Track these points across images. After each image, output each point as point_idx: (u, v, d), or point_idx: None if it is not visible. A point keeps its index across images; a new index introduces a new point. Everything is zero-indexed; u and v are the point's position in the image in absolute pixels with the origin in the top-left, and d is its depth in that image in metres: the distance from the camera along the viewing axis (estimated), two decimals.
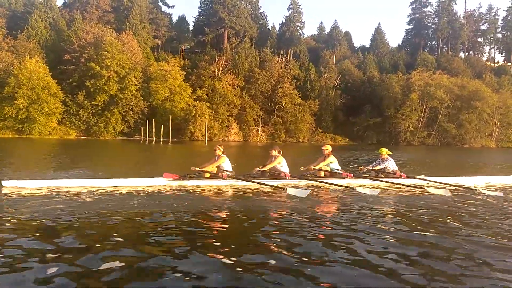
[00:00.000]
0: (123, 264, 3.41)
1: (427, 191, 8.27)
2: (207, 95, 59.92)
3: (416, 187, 8.73)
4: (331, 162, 9.84)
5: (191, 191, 7.62)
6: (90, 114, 52.35)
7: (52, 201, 6.24)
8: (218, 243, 4.18)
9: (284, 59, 72.87)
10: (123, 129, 54.22)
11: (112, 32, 58.60)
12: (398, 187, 8.88)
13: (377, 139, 66.59)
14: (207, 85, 60.51)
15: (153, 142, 42.32)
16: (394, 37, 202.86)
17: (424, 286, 3.16)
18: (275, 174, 9.26)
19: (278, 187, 8.09)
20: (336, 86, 71.82)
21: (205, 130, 46.37)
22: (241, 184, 8.57)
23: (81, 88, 52.46)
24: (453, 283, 3.23)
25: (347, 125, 68.69)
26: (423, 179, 9.61)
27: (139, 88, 54.86)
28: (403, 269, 3.49)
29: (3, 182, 7.36)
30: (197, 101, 57.03)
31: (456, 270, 3.50)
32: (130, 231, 4.64)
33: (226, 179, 8.66)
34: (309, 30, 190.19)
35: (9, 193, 6.83)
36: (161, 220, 5.20)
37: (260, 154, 26.23)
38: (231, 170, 9.03)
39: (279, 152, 9.47)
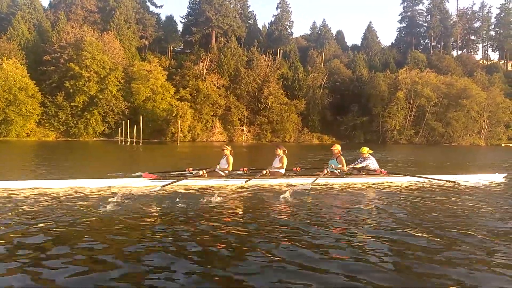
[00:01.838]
0: (100, 266, 3.36)
1: (407, 187, 8.62)
2: (191, 95, 59.32)
3: (398, 184, 9.12)
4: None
5: (170, 191, 7.55)
6: (69, 115, 51.74)
7: (26, 202, 6.14)
8: (201, 245, 4.05)
9: (270, 58, 72.16)
10: (103, 130, 53.58)
11: (93, 32, 58.03)
12: (380, 185, 9.10)
13: (364, 138, 65.91)
14: (190, 85, 59.90)
15: (128, 143, 41.66)
16: (389, 36, 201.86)
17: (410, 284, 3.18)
18: (276, 173, 9.31)
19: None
20: (323, 85, 71.16)
21: (178, 131, 45.61)
22: (223, 183, 8.50)
23: (61, 89, 51.90)
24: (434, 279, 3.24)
25: (334, 125, 68.10)
26: (403, 175, 10.10)
27: (120, 88, 54.25)
28: (387, 266, 3.48)
29: None
30: (180, 102, 56.44)
31: (436, 268, 3.50)
32: (109, 232, 4.51)
33: (206, 179, 8.57)
34: (303, 29, 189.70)
35: None
36: (140, 220, 5.13)
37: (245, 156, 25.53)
38: (227, 171, 9.23)
39: (283, 152, 9.51)
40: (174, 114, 52.87)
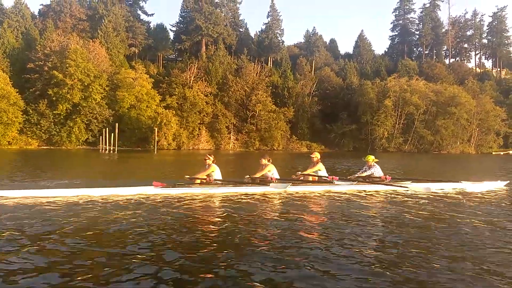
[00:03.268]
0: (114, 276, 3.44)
1: (411, 194, 9.01)
2: (177, 102, 58.89)
3: (401, 190, 9.52)
4: (319, 170, 10.24)
5: (180, 199, 7.78)
6: (52, 123, 51.13)
7: (38, 211, 6.24)
8: (211, 251, 4.26)
9: (259, 66, 71.85)
10: (87, 138, 52.94)
11: (79, 39, 57.78)
12: (384, 191, 9.45)
13: (353, 146, 65.39)
14: (177, 93, 59.50)
15: (106, 151, 41.12)
16: (383, 44, 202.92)
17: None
18: (266, 181, 9.54)
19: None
20: (312, 93, 70.78)
21: (155, 139, 45.00)
22: (229, 191, 8.76)
23: (44, 97, 51.45)
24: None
25: (323, 133, 67.46)
26: (407, 181, 10.36)
27: (105, 96, 53.77)
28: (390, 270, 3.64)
29: None
30: (166, 109, 55.98)
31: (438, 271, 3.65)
32: (121, 241, 4.63)
33: (214, 186, 8.91)
34: (297, 38, 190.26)
35: None
36: (152, 228, 5.26)
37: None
38: (221, 179, 9.35)
39: (268, 161, 9.72)
40: (158, 122, 52.38)
